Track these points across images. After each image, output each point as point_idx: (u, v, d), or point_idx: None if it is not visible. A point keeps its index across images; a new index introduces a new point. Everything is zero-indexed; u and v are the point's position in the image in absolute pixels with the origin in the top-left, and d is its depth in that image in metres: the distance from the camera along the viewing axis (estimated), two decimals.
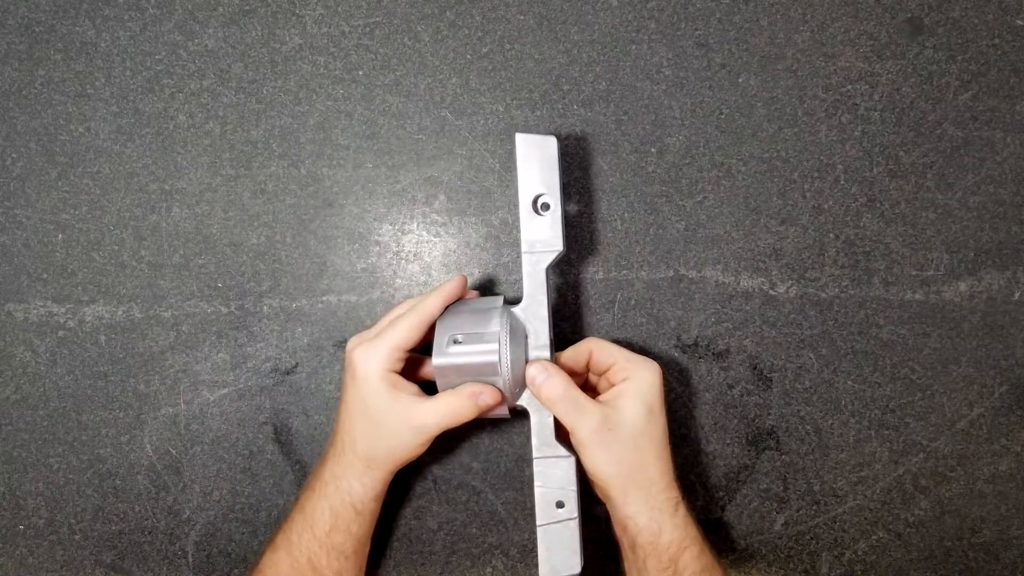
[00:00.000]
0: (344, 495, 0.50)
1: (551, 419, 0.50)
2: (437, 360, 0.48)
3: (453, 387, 0.49)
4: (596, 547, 0.60)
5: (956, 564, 0.60)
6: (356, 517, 0.51)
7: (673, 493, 0.49)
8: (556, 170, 0.49)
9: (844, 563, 0.60)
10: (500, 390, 0.49)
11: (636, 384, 0.49)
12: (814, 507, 0.60)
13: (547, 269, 0.50)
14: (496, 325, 0.48)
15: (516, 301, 0.51)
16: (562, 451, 0.50)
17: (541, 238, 0.49)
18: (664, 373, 0.51)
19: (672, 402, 0.60)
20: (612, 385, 0.51)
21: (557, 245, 0.50)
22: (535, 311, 0.50)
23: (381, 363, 0.49)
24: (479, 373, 0.48)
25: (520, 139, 0.49)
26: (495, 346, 0.47)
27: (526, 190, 0.49)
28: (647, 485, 0.49)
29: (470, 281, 0.60)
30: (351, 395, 0.50)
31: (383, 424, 0.49)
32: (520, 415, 0.53)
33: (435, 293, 0.50)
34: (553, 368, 0.49)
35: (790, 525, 0.60)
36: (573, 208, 0.60)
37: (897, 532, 0.60)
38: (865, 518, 0.60)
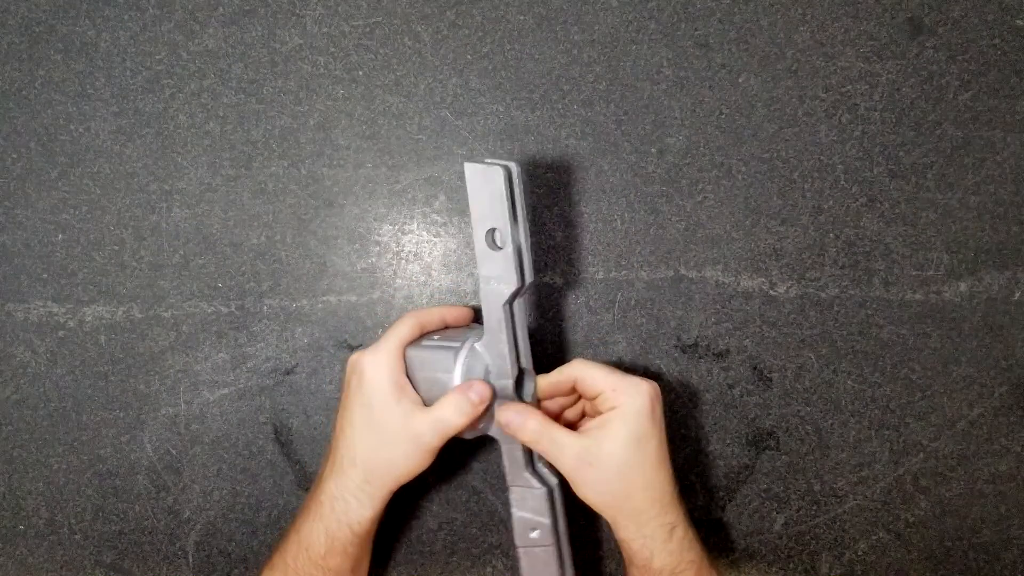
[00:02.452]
0: (341, 515, 0.49)
1: (519, 450, 0.49)
2: None
3: None
4: (596, 547, 0.60)
5: (956, 564, 0.60)
6: (353, 538, 0.49)
7: (668, 518, 0.47)
8: (505, 203, 0.45)
9: (844, 563, 0.60)
10: (490, 384, 0.48)
11: (622, 413, 0.47)
12: (814, 507, 0.60)
13: (506, 305, 0.47)
14: (453, 367, 0.48)
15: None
16: (534, 483, 0.49)
17: (495, 273, 0.47)
18: (663, 389, 0.49)
19: (672, 402, 0.60)
20: (599, 413, 0.49)
21: (512, 282, 0.46)
22: (495, 347, 0.48)
23: (390, 361, 0.48)
24: None
25: (469, 169, 0.45)
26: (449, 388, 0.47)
27: (479, 223, 0.46)
28: (635, 514, 0.47)
29: (470, 281, 0.60)
30: (355, 401, 0.49)
31: (384, 430, 0.48)
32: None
33: (438, 308, 0.51)
34: (526, 410, 0.48)
35: (790, 525, 0.60)
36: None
37: (897, 532, 0.60)
38: (865, 518, 0.60)
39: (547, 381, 0.51)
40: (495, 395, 0.49)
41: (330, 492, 0.49)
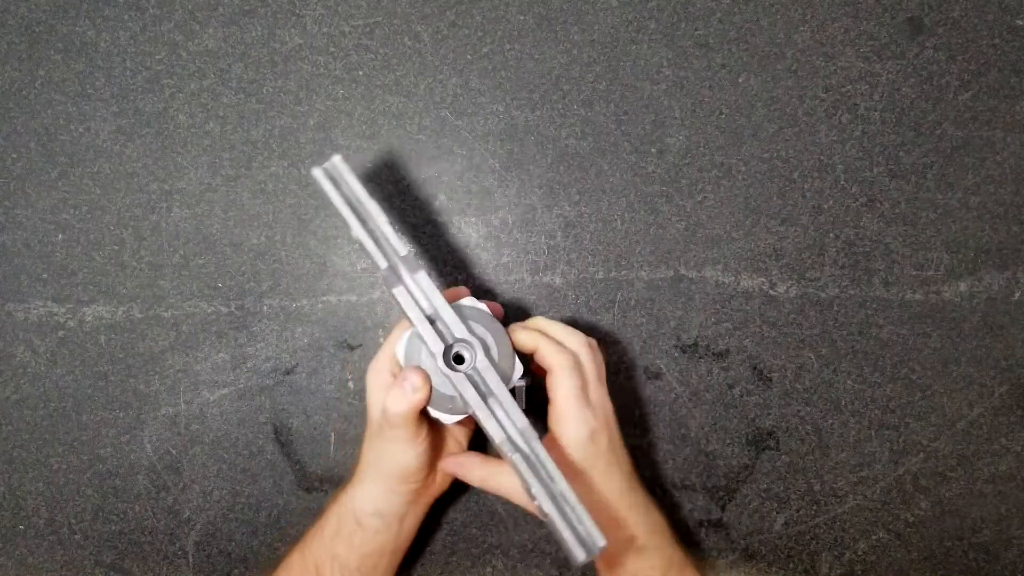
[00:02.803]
0: (347, 502, 0.51)
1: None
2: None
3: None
4: None
5: (956, 564, 0.60)
6: (357, 528, 0.50)
7: (625, 532, 0.48)
8: (337, 200, 0.45)
9: (844, 563, 0.60)
10: (421, 369, 0.47)
11: (566, 421, 0.47)
12: (814, 507, 0.60)
13: (395, 288, 0.46)
14: (401, 353, 0.48)
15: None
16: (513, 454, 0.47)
17: (371, 263, 0.46)
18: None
19: (672, 402, 0.60)
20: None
21: (381, 264, 0.46)
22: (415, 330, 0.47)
23: (381, 366, 0.50)
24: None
25: (316, 174, 0.46)
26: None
27: (345, 224, 0.46)
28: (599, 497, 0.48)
29: (470, 282, 0.60)
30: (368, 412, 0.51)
31: (372, 433, 0.50)
32: None
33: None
34: (466, 461, 0.51)
35: (790, 525, 0.60)
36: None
37: (897, 532, 0.60)
38: (865, 518, 0.60)
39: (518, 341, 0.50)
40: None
41: (348, 482, 0.52)
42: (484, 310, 0.49)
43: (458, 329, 0.46)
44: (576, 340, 0.50)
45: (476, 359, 0.46)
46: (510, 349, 0.48)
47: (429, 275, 0.46)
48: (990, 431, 0.59)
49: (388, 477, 0.50)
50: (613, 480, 0.48)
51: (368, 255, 0.46)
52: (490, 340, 0.48)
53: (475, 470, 0.51)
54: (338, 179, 0.46)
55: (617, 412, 0.51)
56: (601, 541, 0.42)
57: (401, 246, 0.45)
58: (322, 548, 0.51)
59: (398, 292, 0.46)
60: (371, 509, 0.50)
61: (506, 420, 0.45)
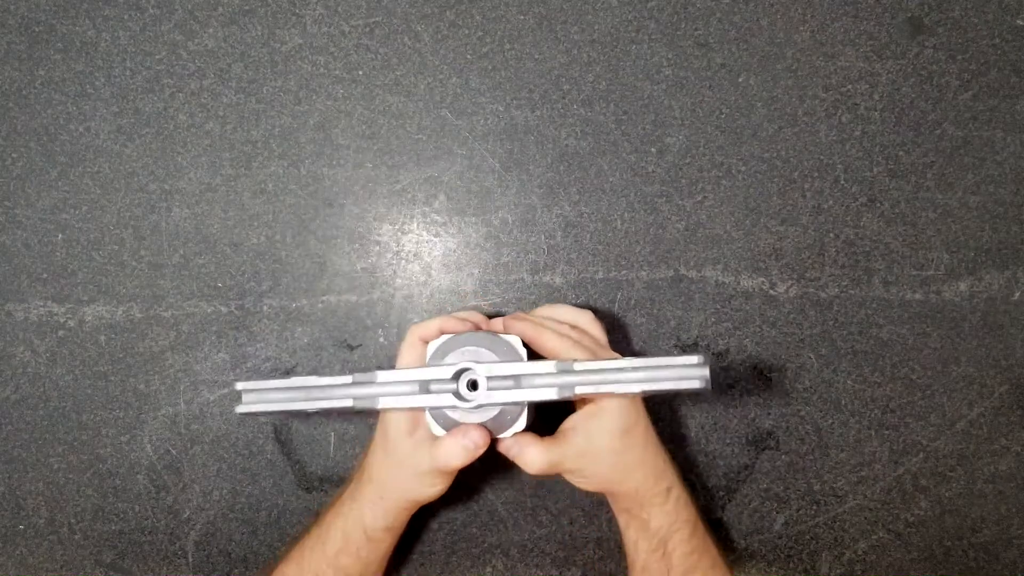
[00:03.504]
0: (357, 519, 0.51)
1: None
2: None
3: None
4: (596, 546, 0.60)
5: (956, 564, 0.60)
6: (366, 543, 0.51)
7: (662, 485, 0.50)
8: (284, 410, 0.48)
9: (844, 563, 0.60)
10: (487, 427, 0.47)
11: (607, 408, 0.48)
12: (814, 507, 0.60)
13: (384, 401, 0.46)
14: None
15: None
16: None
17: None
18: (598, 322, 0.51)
19: (672, 402, 0.60)
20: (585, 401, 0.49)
21: (346, 403, 0.47)
22: None
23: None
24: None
25: (241, 409, 0.48)
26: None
27: (298, 411, 0.48)
28: (631, 491, 0.49)
29: (470, 281, 0.60)
30: (378, 426, 0.51)
31: (396, 460, 0.49)
32: None
33: (437, 319, 0.50)
34: (522, 441, 0.49)
35: (790, 525, 0.60)
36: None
37: (897, 532, 0.60)
38: (865, 518, 0.60)
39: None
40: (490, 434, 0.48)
41: (352, 495, 0.52)
42: (455, 334, 0.49)
43: (442, 372, 0.47)
44: (573, 316, 0.52)
45: (481, 374, 0.46)
46: (510, 345, 0.49)
47: (381, 368, 0.48)
48: (990, 431, 0.59)
49: (407, 503, 0.51)
50: (652, 441, 0.51)
51: (335, 412, 0.47)
52: (483, 353, 0.48)
53: (530, 461, 0.49)
54: (257, 391, 0.47)
55: None
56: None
57: (342, 379, 0.47)
58: (323, 561, 0.51)
59: (384, 402, 0.46)
60: (383, 526, 0.51)
61: (546, 379, 0.46)
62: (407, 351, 0.50)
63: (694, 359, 0.43)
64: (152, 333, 0.60)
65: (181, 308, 0.60)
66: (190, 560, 0.60)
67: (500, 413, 0.47)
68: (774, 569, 0.60)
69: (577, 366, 0.45)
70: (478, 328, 0.50)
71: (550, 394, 0.45)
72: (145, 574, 0.60)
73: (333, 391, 0.47)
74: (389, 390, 0.47)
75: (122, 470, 0.60)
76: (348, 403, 0.46)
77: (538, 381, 0.46)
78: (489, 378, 0.46)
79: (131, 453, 0.60)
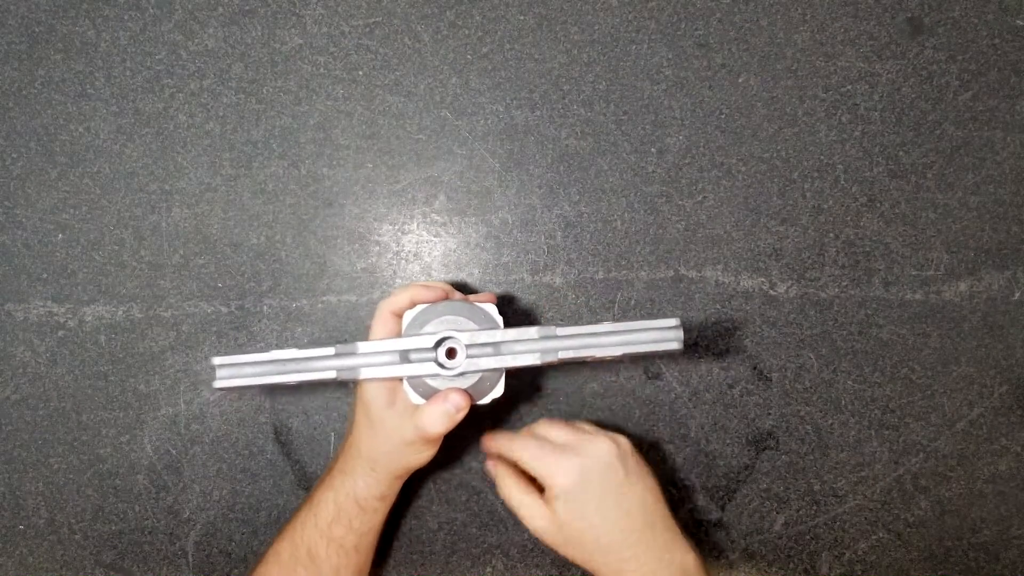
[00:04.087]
0: (349, 490, 0.51)
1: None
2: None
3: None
4: None
5: (956, 564, 0.60)
6: (359, 513, 0.51)
7: (673, 555, 0.49)
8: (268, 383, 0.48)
9: (844, 563, 0.60)
10: (467, 392, 0.48)
11: (552, 498, 0.49)
12: (814, 507, 0.60)
13: (366, 371, 0.47)
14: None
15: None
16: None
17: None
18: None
19: (672, 402, 0.60)
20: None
21: (329, 375, 0.47)
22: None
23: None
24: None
25: (219, 384, 0.48)
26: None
27: (278, 383, 0.48)
28: (616, 569, 0.49)
29: (470, 281, 0.60)
30: (358, 403, 0.51)
31: (381, 432, 0.50)
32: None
33: (406, 289, 0.50)
34: (500, 473, 0.52)
35: (790, 525, 0.60)
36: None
37: (897, 532, 0.60)
38: (865, 518, 0.60)
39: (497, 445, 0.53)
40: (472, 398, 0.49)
41: (342, 468, 0.52)
42: (430, 304, 0.49)
43: (421, 341, 0.47)
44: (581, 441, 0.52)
45: (461, 342, 0.47)
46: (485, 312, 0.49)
47: (360, 338, 0.48)
48: (990, 431, 0.59)
49: (399, 471, 0.51)
50: (628, 516, 0.50)
51: (317, 383, 0.47)
52: (461, 321, 0.49)
53: (506, 492, 0.52)
54: (235, 366, 0.47)
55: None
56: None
57: (323, 351, 0.47)
58: (316, 533, 0.51)
59: (366, 373, 0.47)
60: (376, 495, 0.51)
61: (528, 344, 0.47)
62: (379, 326, 0.50)
63: (671, 322, 0.46)
64: (152, 333, 0.60)
65: (181, 308, 0.60)
66: (190, 560, 0.60)
67: (480, 380, 0.48)
68: (774, 569, 0.60)
69: (559, 331, 0.47)
70: (447, 296, 0.50)
71: (532, 359, 0.47)
72: (145, 574, 0.60)
73: (314, 363, 0.47)
74: (371, 360, 0.47)
75: (122, 470, 0.60)
76: (331, 375, 0.47)
77: (519, 347, 0.47)
78: (470, 346, 0.47)
79: (131, 453, 0.60)
